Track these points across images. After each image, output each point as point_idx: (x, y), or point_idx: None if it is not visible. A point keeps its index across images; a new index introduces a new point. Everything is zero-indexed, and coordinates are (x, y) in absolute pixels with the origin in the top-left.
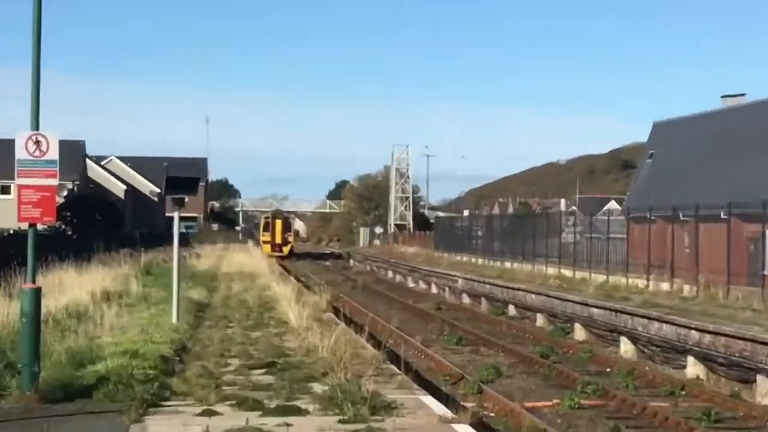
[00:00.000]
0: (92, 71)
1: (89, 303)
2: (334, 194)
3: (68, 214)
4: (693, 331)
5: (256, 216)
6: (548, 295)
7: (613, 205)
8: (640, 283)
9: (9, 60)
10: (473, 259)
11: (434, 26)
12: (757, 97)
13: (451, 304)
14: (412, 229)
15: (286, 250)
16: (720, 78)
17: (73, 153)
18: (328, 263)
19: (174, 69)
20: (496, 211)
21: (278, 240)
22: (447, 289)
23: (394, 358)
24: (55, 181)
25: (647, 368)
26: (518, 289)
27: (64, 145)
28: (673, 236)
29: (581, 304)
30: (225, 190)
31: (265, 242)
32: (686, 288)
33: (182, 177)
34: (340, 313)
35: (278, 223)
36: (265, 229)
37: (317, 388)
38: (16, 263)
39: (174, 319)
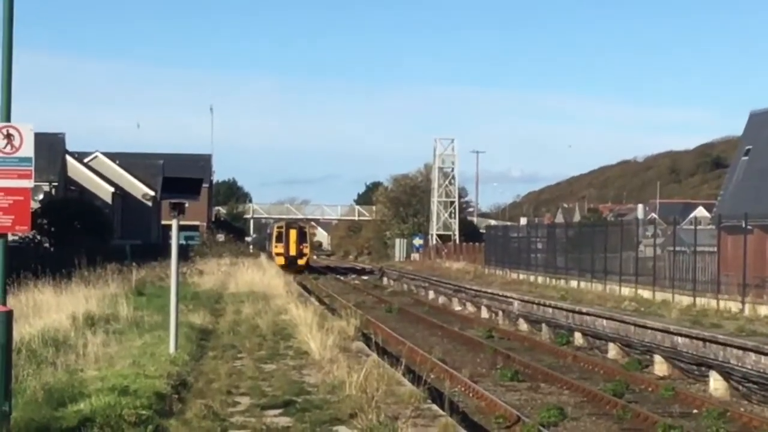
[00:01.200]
0: (74, 50)
1: (70, 329)
2: (364, 198)
3: (45, 221)
4: None
5: (270, 224)
6: (623, 321)
7: (701, 211)
8: (734, 306)
9: None
10: (532, 277)
11: None
12: None
13: (505, 332)
14: (458, 241)
15: (301, 262)
16: None
17: (50, 148)
18: (356, 282)
19: (172, 49)
20: (559, 219)
21: (293, 252)
22: (500, 313)
23: (437, 397)
24: (29, 183)
25: (742, 409)
26: (586, 314)
27: (40, 139)
28: None
29: (662, 331)
30: (233, 193)
31: (278, 254)
32: None
33: (182, 178)
34: (372, 342)
35: (293, 233)
36: (278, 240)
37: (344, 431)
38: None
39: (171, 349)
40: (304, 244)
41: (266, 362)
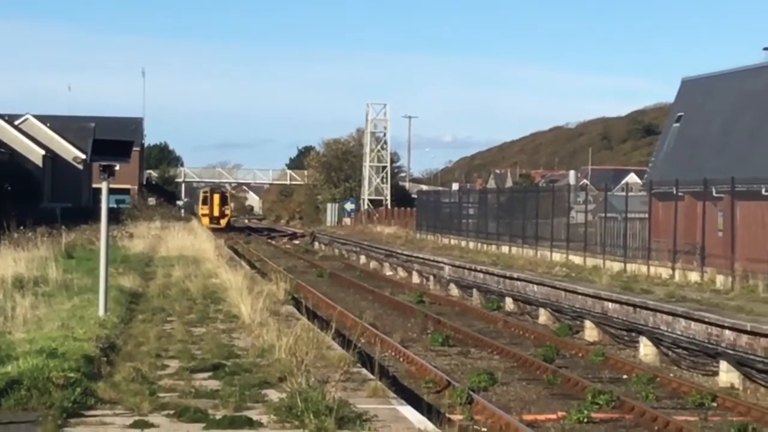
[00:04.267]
0: (4, 12)
1: None
2: (297, 163)
3: None
4: (727, 331)
5: (200, 188)
6: (553, 287)
7: (632, 178)
8: (664, 272)
9: None
10: (463, 243)
11: None
12: None
13: (437, 297)
14: (390, 206)
15: (223, 222)
16: (761, 27)
17: None
18: (288, 246)
19: (104, 11)
20: (491, 184)
21: (216, 213)
22: (431, 278)
23: (367, 361)
24: None
25: (671, 375)
26: (517, 279)
27: None
28: (704, 216)
29: (593, 297)
30: (164, 156)
31: (203, 215)
32: (719, 279)
33: (112, 140)
34: (302, 306)
35: (216, 197)
36: (204, 203)
37: (273, 395)
38: None
39: (101, 312)
40: (226, 206)
41: (196, 326)
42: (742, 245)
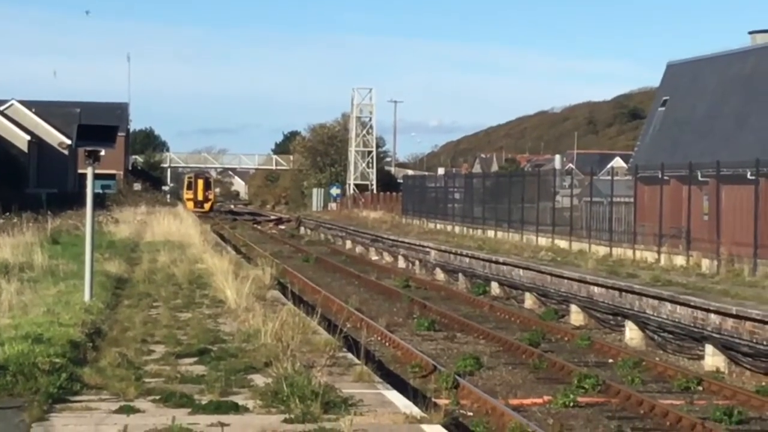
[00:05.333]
0: None
1: None
2: (282, 148)
3: None
4: (712, 315)
5: (185, 174)
6: (539, 271)
7: (617, 162)
8: (650, 256)
9: None
10: (449, 227)
11: None
12: None
13: (422, 281)
14: (375, 190)
15: (207, 206)
16: (747, 10)
17: None
18: (273, 231)
19: None
20: (477, 169)
21: (200, 197)
22: (417, 262)
23: (353, 346)
24: None
25: (657, 359)
26: (503, 263)
27: None
28: (690, 200)
29: (579, 281)
30: (150, 142)
31: (188, 199)
32: (705, 262)
33: (98, 125)
34: (288, 291)
35: (200, 182)
36: (189, 188)
37: (258, 380)
38: None
39: (86, 297)
40: (209, 191)
41: (182, 311)
42: (728, 229)
